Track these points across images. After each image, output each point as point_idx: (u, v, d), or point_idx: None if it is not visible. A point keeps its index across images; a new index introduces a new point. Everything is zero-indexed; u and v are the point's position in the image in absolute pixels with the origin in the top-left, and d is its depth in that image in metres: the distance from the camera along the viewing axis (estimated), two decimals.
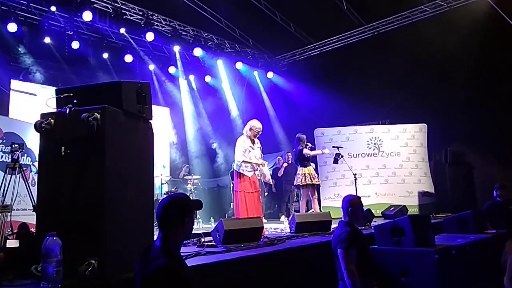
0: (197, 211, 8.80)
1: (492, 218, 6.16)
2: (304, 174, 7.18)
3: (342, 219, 3.97)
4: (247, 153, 5.81)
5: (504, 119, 8.42)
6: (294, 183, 7.53)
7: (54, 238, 2.53)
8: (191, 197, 9.28)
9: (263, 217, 6.08)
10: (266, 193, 9.95)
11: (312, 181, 7.18)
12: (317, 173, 7.74)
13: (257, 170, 5.92)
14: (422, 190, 9.17)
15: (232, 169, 10.34)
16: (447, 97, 9.18)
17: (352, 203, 3.91)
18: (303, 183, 7.14)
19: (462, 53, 8.38)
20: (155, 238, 2.85)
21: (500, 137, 8.51)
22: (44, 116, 2.95)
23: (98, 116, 2.79)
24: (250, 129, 5.89)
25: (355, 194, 7.20)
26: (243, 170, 5.78)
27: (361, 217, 4.08)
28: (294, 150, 7.62)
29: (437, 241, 4.51)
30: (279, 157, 10.75)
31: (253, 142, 5.93)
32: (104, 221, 2.77)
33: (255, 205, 5.69)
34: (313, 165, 7.71)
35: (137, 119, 3.20)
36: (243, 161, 5.77)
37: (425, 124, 9.59)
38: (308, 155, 7.28)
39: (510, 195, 6.66)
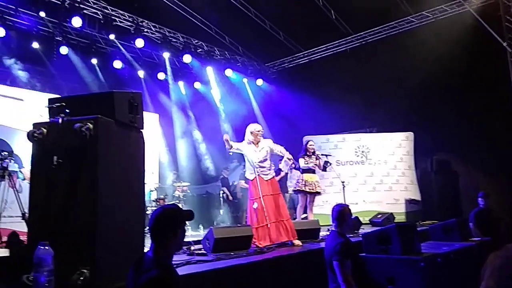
0: None
1: (482, 225, 6.29)
2: (304, 180, 7.13)
3: (333, 228, 3.97)
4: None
5: (489, 128, 8.63)
6: (293, 188, 7.49)
7: (46, 247, 2.54)
8: (180, 204, 9.23)
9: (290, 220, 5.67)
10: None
11: (306, 189, 6.97)
12: None
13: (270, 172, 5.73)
14: (409, 197, 9.31)
15: (222, 176, 10.46)
16: (434, 106, 9.37)
17: (344, 212, 3.92)
18: (300, 189, 7.07)
19: (448, 63, 8.57)
20: (145, 247, 2.87)
21: (485, 146, 8.71)
22: (36, 125, 2.96)
23: (91, 126, 2.81)
24: (251, 133, 5.80)
25: (343, 201, 7.26)
26: (258, 173, 5.58)
27: (351, 226, 4.12)
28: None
29: (423, 249, 4.58)
30: None
31: (257, 145, 5.79)
32: (96, 231, 2.78)
33: (274, 208, 5.42)
34: None
35: (129, 129, 3.23)
36: (259, 162, 5.62)
37: (412, 133, 9.76)
38: (305, 167, 7.13)
39: (493, 203, 6.82)
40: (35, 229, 2.88)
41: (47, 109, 3.15)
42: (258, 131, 5.83)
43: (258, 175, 5.57)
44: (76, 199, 2.83)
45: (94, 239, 2.77)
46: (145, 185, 9.51)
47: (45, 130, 2.90)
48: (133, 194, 3.22)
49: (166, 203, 8.57)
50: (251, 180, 5.68)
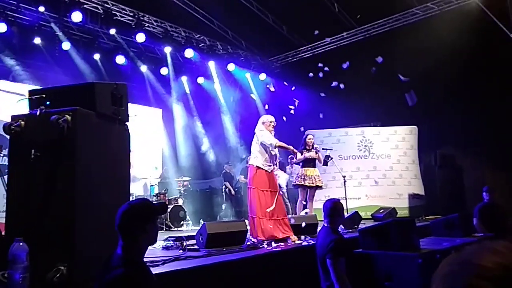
0: (187, 213, 8.74)
1: (486, 220, 6.12)
2: (303, 174, 7.02)
3: (325, 224, 3.84)
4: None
5: (493, 122, 8.42)
6: (293, 183, 7.42)
7: (21, 243, 2.48)
8: (181, 199, 9.07)
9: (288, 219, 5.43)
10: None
11: (306, 183, 6.91)
12: None
13: (276, 166, 5.52)
14: (412, 192, 9.12)
15: (224, 171, 10.38)
16: (438, 100, 9.17)
17: (336, 208, 3.82)
18: (300, 183, 7.02)
19: (452, 55, 8.34)
20: None
21: (490, 140, 8.50)
22: (14, 118, 2.88)
23: (69, 118, 2.73)
24: (263, 123, 5.57)
25: (345, 196, 7.16)
26: (262, 165, 5.31)
27: (343, 221, 4.02)
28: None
29: (422, 244, 4.46)
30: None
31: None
32: (74, 226, 2.71)
33: (271, 205, 5.14)
34: None
35: (112, 121, 3.14)
36: (277, 145, 5.32)
37: (416, 127, 9.57)
38: (300, 159, 7.05)
39: (500, 199, 6.63)
40: (12, 224, 2.82)
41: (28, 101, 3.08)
42: (271, 121, 5.63)
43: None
44: (55, 194, 2.75)
45: (73, 235, 2.69)
46: (147, 180, 9.47)
47: (22, 123, 2.83)
48: (117, 187, 3.14)
49: (167, 198, 8.53)
50: (268, 172, 5.41)
